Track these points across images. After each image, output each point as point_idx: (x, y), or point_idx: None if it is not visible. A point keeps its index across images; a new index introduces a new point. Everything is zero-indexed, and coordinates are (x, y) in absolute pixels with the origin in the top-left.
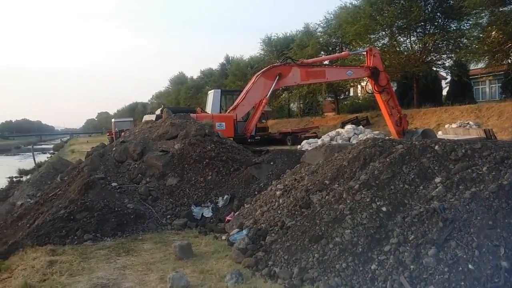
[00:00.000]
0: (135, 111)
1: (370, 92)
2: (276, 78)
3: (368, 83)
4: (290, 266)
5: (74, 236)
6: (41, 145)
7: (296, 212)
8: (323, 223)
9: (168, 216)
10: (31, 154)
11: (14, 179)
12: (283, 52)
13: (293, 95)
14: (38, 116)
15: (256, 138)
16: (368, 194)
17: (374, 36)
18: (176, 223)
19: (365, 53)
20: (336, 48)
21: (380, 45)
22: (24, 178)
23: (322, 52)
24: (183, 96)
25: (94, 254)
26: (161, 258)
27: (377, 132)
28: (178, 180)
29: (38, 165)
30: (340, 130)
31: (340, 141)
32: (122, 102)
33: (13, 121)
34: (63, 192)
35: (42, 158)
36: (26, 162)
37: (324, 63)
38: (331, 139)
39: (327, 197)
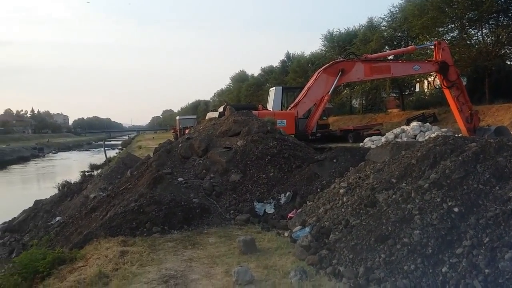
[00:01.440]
0: (197, 108)
1: (438, 87)
2: (339, 74)
3: (436, 78)
4: (355, 265)
5: (143, 228)
6: (110, 141)
7: (361, 211)
8: (390, 222)
9: (232, 211)
10: (101, 149)
11: (86, 173)
12: (345, 47)
13: (355, 91)
14: (108, 113)
15: (317, 135)
16: (438, 194)
17: (442, 29)
18: (239, 218)
19: (433, 47)
20: (401, 43)
21: (449, 38)
22: (95, 173)
23: (386, 47)
24: (244, 93)
25: (162, 246)
26: (225, 252)
27: (445, 129)
28: (241, 176)
29: (108, 160)
30: (405, 127)
31: (405, 139)
32: (185, 100)
33: (84, 118)
34: (133, 186)
35: (111, 153)
36: (97, 157)
37: (389, 58)
38: (396, 137)
39: (394, 196)
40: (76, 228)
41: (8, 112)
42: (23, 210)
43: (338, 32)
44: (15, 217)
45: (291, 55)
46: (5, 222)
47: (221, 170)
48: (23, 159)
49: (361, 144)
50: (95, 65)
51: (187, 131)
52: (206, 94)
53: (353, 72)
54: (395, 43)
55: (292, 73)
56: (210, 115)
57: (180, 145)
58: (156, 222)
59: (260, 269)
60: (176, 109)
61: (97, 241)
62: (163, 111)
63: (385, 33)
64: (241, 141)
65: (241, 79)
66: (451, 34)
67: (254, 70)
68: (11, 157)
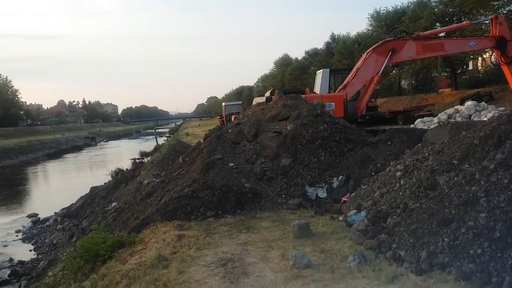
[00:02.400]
0: (241, 94)
1: (494, 64)
2: (389, 54)
3: (492, 55)
4: (417, 249)
5: (198, 213)
6: (158, 129)
7: (421, 194)
8: (453, 205)
9: (283, 196)
10: (149, 137)
11: (137, 161)
12: (393, 26)
13: (404, 71)
14: (155, 102)
15: (366, 117)
16: (506, 175)
17: (498, 3)
18: (291, 202)
19: (488, 22)
20: (454, 19)
21: (505, 12)
22: (145, 160)
23: (437, 24)
24: (288, 77)
25: (217, 230)
26: (280, 236)
27: (502, 108)
28: (291, 160)
29: (158, 147)
30: (459, 107)
31: (459, 119)
32: (229, 86)
33: (133, 107)
34: (186, 171)
35: (160, 141)
36: (146, 145)
37: (441, 35)
38: (449, 117)
39: (456, 178)
40: (132, 213)
41: (61, 103)
42: (80, 197)
43: (385, 11)
44: (73, 204)
45: (336, 36)
46: (64, 208)
47: (272, 154)
48: (77, 148)
49: (412, 125)
50: (142, 55)
51: (233, 117)
52: (250, 79)
53: (404, 51)
54: (446, 19)
55: (337, 55)
56: (257, 100)
57: (230, 130)
58: (210, 206)
59: (316, 253)
60: (220, 95)
61: (154, 225)
62: (208, 98)
63: (436, 9)
64: (290, 125)
65: (284, 63)
66: (508, 8)
67: (298, 53)
68: (66, 146)
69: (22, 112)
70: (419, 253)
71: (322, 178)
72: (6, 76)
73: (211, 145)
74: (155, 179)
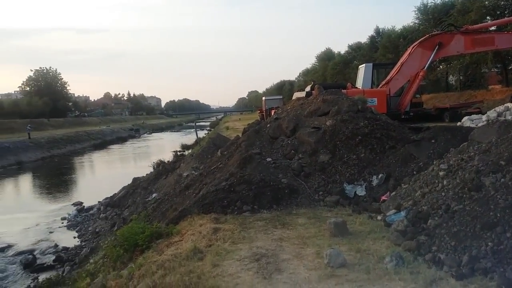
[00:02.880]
0: (282, 89)
1: None
2: (436, 48)
3: None
4: (458, 253)
5: (234, 207)
6: (199, 122)
7: (464, 195)
8: (499, 208)
9: (320, 193)
10: (190, 130)
11: (178, 153)
12: (441, 19)
13: (452, 66)
14: (197, 95)
15: (410, 114)
16: None
17: None
18: (328, 200)
19: None
20: (505, 12)
21: None
22: (186, 152)
23: (487, 17)
24: (330, 72)
25: (252, 224)
26: (315, 233)
27: None
28: (330, 157)
29: (198, 140)
30: (509, 104)
31: (509, 117)
32: (270, 80)
33: (175, 100)
34: (224, 165)
35: (200, 134)
36: (187, 137)
37: (491, 29)
38: (498, 115)
39: (502, 179)
40: (171, 204)
41: (107, 95)
42: (122, 187)
43: (433, 4)
44: (115, 193)
45: (380, 30)
46: (107, 198)
47: (310, 150)
48: (121, 140)
49: (458, 123)
50: (186, 49)
51: (273, 111)
52: (291, 74)
53: (452, 45)
54: (498, 12)
55: (381, 49)
56: (297, 94)
57: (268, 125)
58: (246, 201)
59: (352, 253)
60: (261, 89)
61: (191, 218)
62: (249, 92)
63: (486, 2)
64: (330, 121)
65: (327, 57)
66: None
67: (340, 47)
68: (111, 137)
69: (70, 104)
70: (460, 257)
71: (361, 175)
72: (56, 69)
73: (249, 140)
74: (194, 171)
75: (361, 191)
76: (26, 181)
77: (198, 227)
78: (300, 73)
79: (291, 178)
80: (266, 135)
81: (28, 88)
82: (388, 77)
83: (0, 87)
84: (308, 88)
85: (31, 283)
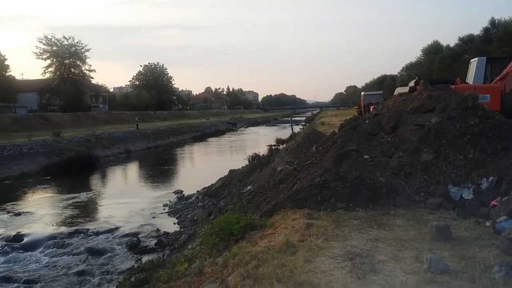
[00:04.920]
0: (383, 84)
1: None
2: None
3: None
4: None
5: (328, 203)
6: (294, 117)
7: None
8: None
9: (422, 194)
10: (285, 125)
11: (273, 147)
12: None
13: None
14: (293, 90)
15: None
16: None
17: None
18: (430, 202)
19: None
20: None
21: None
22: (281, 147)
23: None
24: (437, 66)
25: (346, 222)
26: (415, 236)
27: None
28: (433, 156)
29: (293, 135)
30: None
31: None
32: (370, 75)
33: (272, 95)
34: (319, 161)
35: (295, 129)
36: (282, 132)
37: None
38: None
39: None
40: (265, 197)
41: (208, 89)
42: (219, 178)
43: None
44: (212, 184)
45: (496, 21)
46: (204, 188)
47: (411, 148)
48: (219, 132)
49: None
50: (283, 44)
51: (372, 107)
52: (392, 68)
53: None
54: None
55: (496, 42)
56: (400, 90)
57: (366, 121)
58: (340, 198)
59: (456, 259)
60: (360, 85)
61: (284, 212)
62: (347, 87)
63: None
64: (435, 118)
65: (434, 50)
66: None
67: (449, 40)
68: (210, 130)
69: (174, 97)
70: None
71: (468, 177)
72: (163, 64)
73: (346, 136)
74: (288, 166)
75: (468, 195)
76: (133, 169)
77: (291, 222)
78: (403, 67)
79: (390, 177)
80: (364, 131)
81: (137, 82)
82: (504, 72)
83: (113, 81)
84: (412, 83)
85: (135, 263)
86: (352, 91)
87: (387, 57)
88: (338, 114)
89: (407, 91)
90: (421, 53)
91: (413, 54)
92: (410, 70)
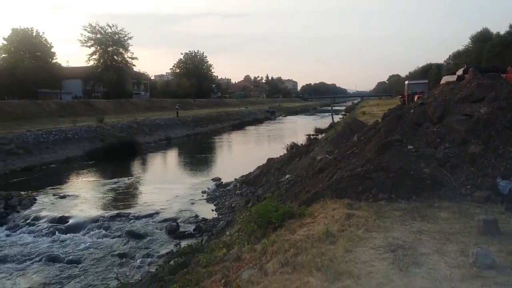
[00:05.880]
0: (428, 72)
1: None
2: None
3: None
4: None
5: (369, 194)
6: (334, 106)
7: None
8: None
9: (468, 187)
10: (324, 114)
11: (312, 137)
12: None
13: None
14: (333, 79)
15: None
16: None
17: None
18: (477, 195)
19: None
20: None
21: None
22: (319, 136)
23: None
24: (486, 55)
25: (388, 214)
26: (460, 230)
27: None
28: (482, 148)
29: (333, 125)
30: None
31: None
32: (414, 64)
33: (311, 84)
34: (360, 150)
35: (335, 118)
36: (320, 121)
37: None
38: None
39: None
40: (303, 186)
41: (247, 78)
42: (257, 166)
43: None
44: (250, 172)
45: None
46: (242, 176)
47: (459, 139)
48: (257, 121)
49: None
50: (324, 33)
51: (416, 97)
52: (438, 56)
53: None
54: None
55: None
56: (447, 78)
57: (412, 110)
58: (382, 189)
59: (503, 254)
60: (403, 73)
61: (323, 201)
62: (389, 76)
63: None
64: (485, 108)
65: (483, 38)
66: None
67: (500, 27)
68: (248, 118)
69: (213, 86)
70: None
71: None
72: (203, 52)
73: (389, 125)
74: (328, 155)
75: None
76: (172, 156)
77: (331, 211)
78: (450, 56)
79: (435, 168)
80: (408, 121)
81: (178, 70)
82: None
83: (155, 69)
84: (460, 72)
85: (174, 247)
86: (395, 80)
87: (432, 45)
88: (380, 103)
89: (455, 79)
90: (469, 41)
91: (460, 42)
92: (457, 58)
